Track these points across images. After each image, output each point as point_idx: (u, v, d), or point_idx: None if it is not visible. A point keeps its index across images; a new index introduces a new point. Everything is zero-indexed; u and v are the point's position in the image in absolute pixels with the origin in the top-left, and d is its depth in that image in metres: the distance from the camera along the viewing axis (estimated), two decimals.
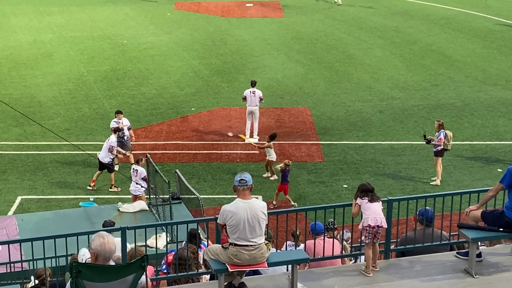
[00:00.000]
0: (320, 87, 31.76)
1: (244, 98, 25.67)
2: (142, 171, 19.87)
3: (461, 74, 33.72)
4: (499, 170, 22.45)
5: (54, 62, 35.13)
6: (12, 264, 12.05)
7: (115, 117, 23.48)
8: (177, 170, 19.50)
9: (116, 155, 22.16)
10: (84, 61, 35.38)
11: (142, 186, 19.86)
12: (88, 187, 21.82)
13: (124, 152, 22.65)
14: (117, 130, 22.41)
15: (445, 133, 21.96)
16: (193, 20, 44.18)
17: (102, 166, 21.88)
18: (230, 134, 25.93)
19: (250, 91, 25.63)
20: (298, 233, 12.75)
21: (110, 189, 21.78)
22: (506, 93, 31.03)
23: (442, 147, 21.90)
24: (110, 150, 21.82)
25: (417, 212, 11.09)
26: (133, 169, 20.26)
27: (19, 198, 21.24)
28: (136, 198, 19.91)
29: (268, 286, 9.91)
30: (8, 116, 27.28)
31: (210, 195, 21.11)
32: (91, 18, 44.10)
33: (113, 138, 22.05)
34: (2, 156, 24.28)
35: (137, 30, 41.64)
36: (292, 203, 20.57)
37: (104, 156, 21.86)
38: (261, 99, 25.60)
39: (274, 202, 20.65)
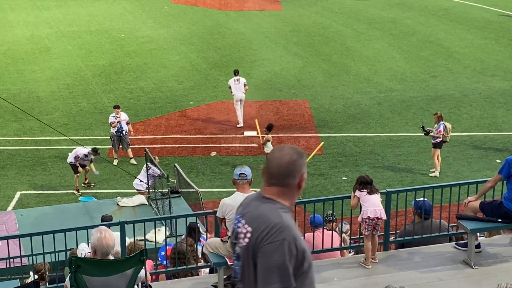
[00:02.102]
0: (319, 80, 31.72)
1: (230, 88, 25.78)
2: (155, 170, 19.20)
3: (459, 65, 33.69)
4: (498, 161, 22.42)
5: (52, 57, 35.08)
6: (11, 259, 12.08)
7: (114, 112, 23.46)
8: (176, 164, 19.48)
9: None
10: (82, 56, 35.33)
11: (145, 183, 19.38)
12: (83, 184, 21.71)
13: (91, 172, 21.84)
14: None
15: (445, 125, 21.93)
16: (190, 14, 44.12)
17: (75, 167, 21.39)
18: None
19: (234, 80, 25.77)
20: (297, 225, 12.75)
21: (84, 183, 21.52)
22: (504, 83, 30.99)
23: (441, 139, 21.90)
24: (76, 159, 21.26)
25: (413, 204, 11.10)
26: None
27: (18, 194, 21.23)
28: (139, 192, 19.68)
29: None
30: (7, 111, 27.26)
31: (209, 188, 21.08)
32: (89, 13, 44.03)
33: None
34: (1, 152, 24.27)
35: (134, 24, 41.58)
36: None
37: (70, 160, 21.44)
38: (245, 85, 25.74)
39: None
